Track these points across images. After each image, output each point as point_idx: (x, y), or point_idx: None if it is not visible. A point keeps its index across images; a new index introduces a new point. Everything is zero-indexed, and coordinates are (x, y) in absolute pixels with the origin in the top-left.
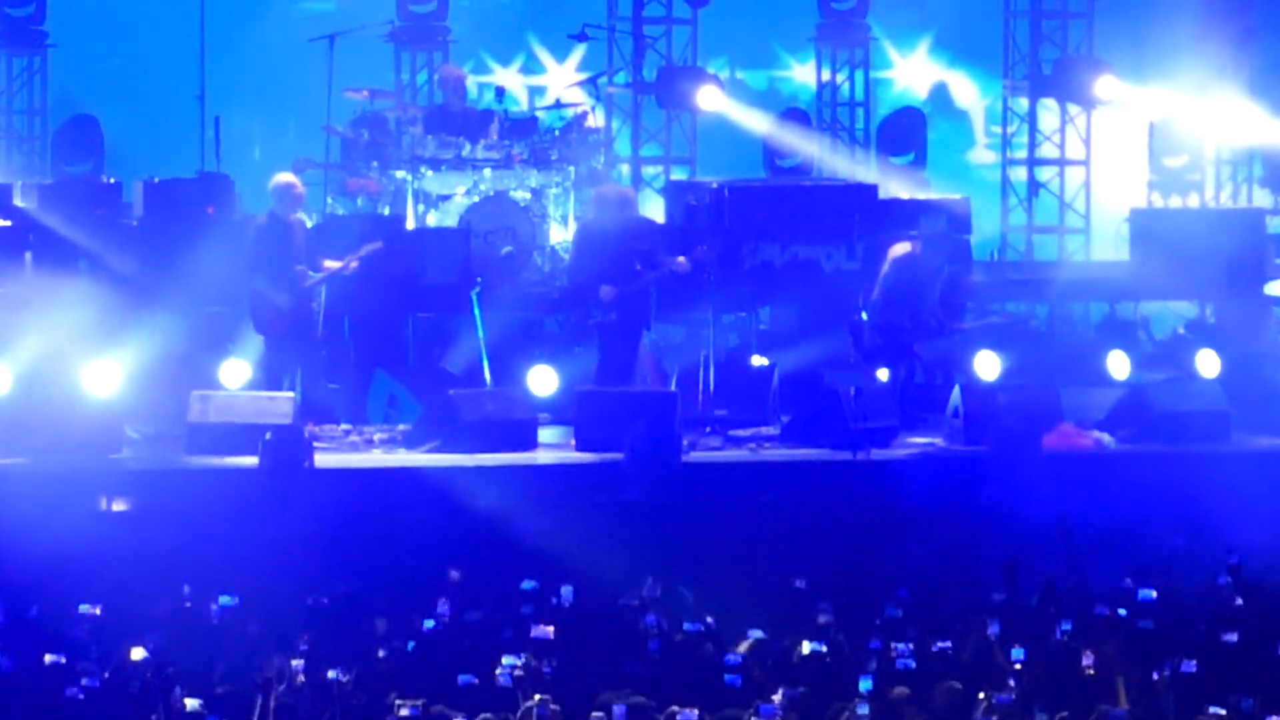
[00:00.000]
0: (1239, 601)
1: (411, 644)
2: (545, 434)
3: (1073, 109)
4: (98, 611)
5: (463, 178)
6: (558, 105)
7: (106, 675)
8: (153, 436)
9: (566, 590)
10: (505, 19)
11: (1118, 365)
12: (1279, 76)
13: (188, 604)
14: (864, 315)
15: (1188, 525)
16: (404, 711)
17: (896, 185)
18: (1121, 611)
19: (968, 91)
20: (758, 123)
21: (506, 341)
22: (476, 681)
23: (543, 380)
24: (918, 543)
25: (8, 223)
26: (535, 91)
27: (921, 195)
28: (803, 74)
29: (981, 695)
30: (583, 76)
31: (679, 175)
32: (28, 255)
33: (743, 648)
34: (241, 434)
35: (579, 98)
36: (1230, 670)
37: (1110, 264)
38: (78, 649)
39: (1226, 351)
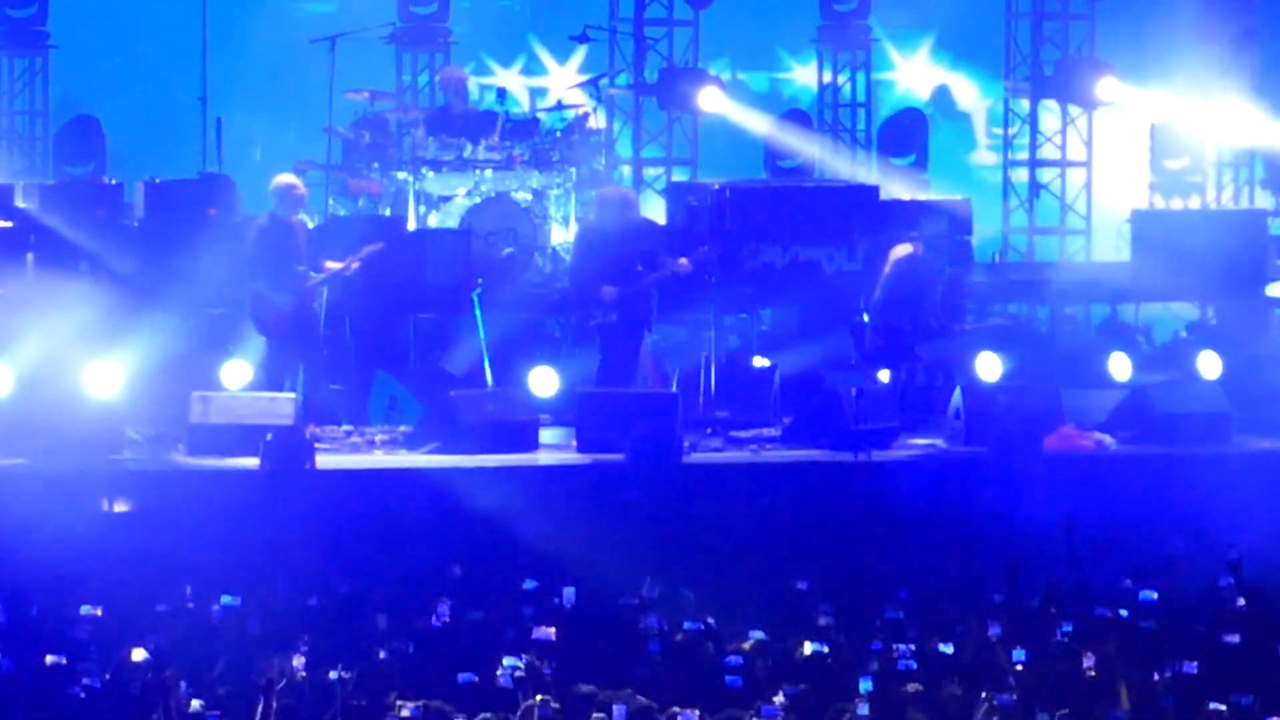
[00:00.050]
0: (1240, 602)
1: (412, 645)
2: (546, 435)
3: (1074, 110)
4: (99, 612)
5: (464, 179)
6: (559, 106)
7: (107, 676)
8: (154, 437)
9: (569, 591)
10: (506, 20)
11: (1119, 367)
12: None
13: (189, 604)
14: (865, 316)
15: (1188, 527)
16: (404, 711)
17: (898, 187)
18: (1122, 613)
19: (969, 93)
20: (759, 124)
21: (507, 342)
22: (477, 681)
23: (544, 381)
24: (919, 544)
25: (9, 224)
26: (536, 93)
27: (922, 196)
28: (804, 75)
29: (983, 696)
30: (584, 78)
31: (680, 176)
32: (29, 256)
33: (744, 648)
34: (243, 435)
35: (580, 99)
36: (1231, 671)
37: (1111, 265)
38: (79, 649)
39: (1228, 353)
